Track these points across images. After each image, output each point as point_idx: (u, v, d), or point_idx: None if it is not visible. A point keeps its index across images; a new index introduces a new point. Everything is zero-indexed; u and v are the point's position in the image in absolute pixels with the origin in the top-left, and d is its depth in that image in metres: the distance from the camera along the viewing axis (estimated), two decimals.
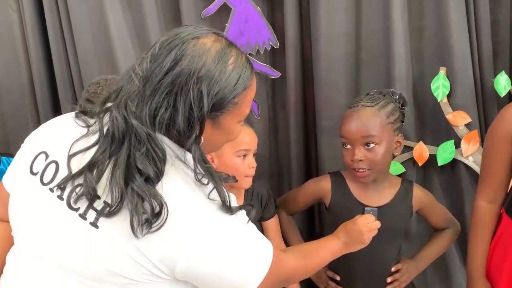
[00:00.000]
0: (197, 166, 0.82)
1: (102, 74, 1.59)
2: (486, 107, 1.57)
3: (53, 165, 0.85)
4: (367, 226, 1.11)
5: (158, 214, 0.76)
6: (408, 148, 1.60)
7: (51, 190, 0.83)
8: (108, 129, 0.81)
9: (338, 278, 1.40)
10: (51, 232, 0.83)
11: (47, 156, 0.86)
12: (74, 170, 0.81)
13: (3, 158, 1.44)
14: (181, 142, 0.84)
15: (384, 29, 1.53)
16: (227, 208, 0.82)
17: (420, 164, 1.59)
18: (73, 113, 0.91)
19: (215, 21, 1.62)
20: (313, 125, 1.70)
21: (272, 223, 1.42)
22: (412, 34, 1.55)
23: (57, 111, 1.76)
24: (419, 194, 1.37)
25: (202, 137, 0.85)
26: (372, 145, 1.25)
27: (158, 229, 0.76)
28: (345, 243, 1.10)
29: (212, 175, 0.83)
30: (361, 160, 1.25)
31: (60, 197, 0.82)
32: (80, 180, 0.80)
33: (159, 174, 0.78)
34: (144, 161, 0.78)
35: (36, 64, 1.72)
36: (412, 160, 1.62)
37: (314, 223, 1.79)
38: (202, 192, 0.82)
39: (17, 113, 1.73)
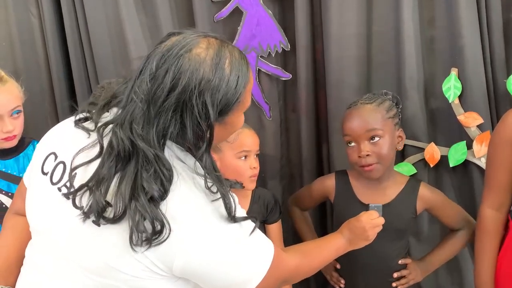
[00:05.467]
0: (207, 174, 0.83)
1: (118, 76, 1.64)
2: (499, 108, 1.54)
3: (61, 166, 0.88)
4: (370, 222, 1.11)
5: (159, 232, 0.77)
6: (419, 149, 1.59)
7: (59, 189, 0.86)
8: (110, 145, 0.82)
9: (338, 266, 1.41)
10: (58, 228, 0.86)
11: (56, 157, 0.90)
12: (78, 182, 0.83)
13: (35, 141, 1.52)
14: (192, 152, 0.85)
15: (395, 30, 1.53)
16: (232, 219, 0.83)
17: (431, 165, 1.58)
18: (72, 120, 0.94)
19: (228, 24, 1.65)
20: (324, 126, 1.71)
21: (275, 228, 1.45)
22: (423, 35, 1.54)
23: (74, 111, 1.81)
24: (425, 193, 1.35)
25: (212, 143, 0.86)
26: (376, 139, 1.27)
27: (158, 245, 0.78)
28: (349, 240, 1.11)
29: (221, 183, 0.84)
30: (368, 154, 1.26)
31: (66, 196, 0.85)
32: (86, 191, 0.82)
33: (164, 194, 0.79)
34: (150, 181, 0.78)
35: (55, 66, 1.78)
36: (423, 161, 1.60)
37: (326, 225, 1.80)
38: (208, 200, 0.83)
39: (37, 114, 1.79)
